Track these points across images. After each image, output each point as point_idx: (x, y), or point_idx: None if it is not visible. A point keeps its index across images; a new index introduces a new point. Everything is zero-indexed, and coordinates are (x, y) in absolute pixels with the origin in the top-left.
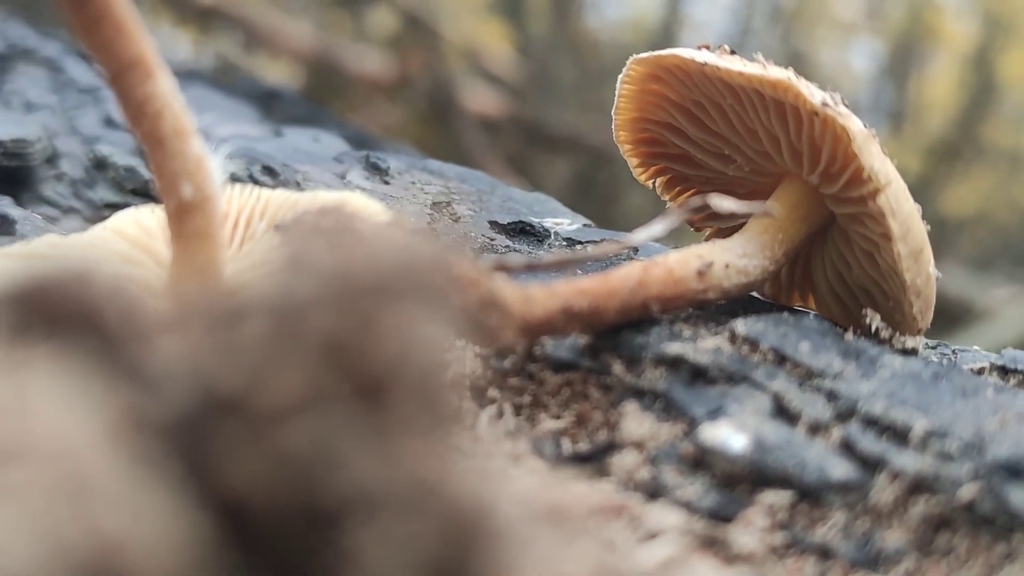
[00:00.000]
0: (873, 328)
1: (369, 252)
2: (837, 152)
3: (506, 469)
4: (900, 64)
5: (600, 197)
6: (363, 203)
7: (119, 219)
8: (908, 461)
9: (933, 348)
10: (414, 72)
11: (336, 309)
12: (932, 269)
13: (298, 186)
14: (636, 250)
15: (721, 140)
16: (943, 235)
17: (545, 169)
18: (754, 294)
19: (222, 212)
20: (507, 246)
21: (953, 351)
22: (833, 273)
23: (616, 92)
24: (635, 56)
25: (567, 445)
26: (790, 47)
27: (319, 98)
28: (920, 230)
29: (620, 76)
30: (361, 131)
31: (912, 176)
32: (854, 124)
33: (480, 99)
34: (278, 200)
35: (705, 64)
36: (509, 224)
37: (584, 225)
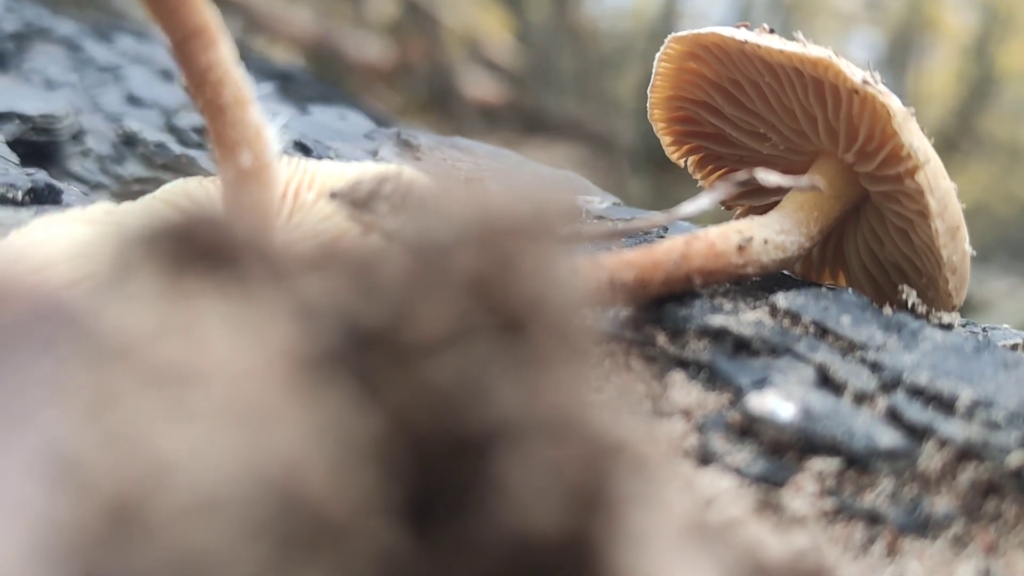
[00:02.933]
0: (909, 304)
1: (503, 197)
2: (875, 130)
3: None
4: (899, 55)
5: (599, 185)
6: (412, 174)
7: (169, 190)
8: (955, 429)
9: (963, 326)
10: (414, 59)
11: (478, 249)
12: (967, 246)
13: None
14: (666, 228)
15: (757, 119)
16: None
17: (544, 157)
18: (786, 272)
19: (278, 181)
20: None
21: (983, 328)
22: (865, 250)
23: (653, 70)
24: (674, 34)
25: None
26: (789, 37)
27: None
28: (956, 207)
29: (657, 55)
30: (376, 112)
31: None
32: (894, 102)
33: (479, 86)
34: (326, 171)
35: (745, 42)
36: None
37: (614, 203)
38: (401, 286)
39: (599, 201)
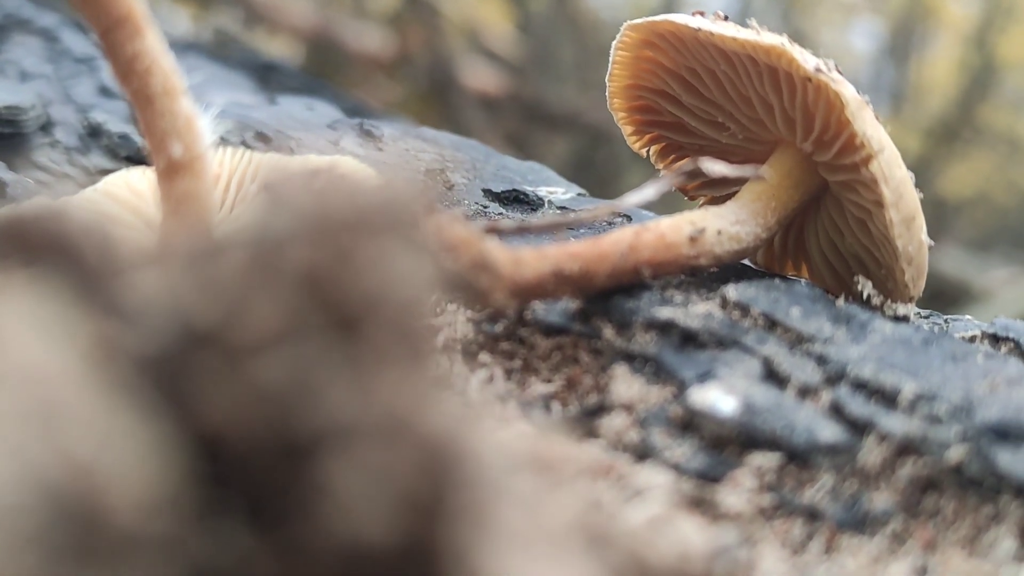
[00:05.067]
0: (865, 295)
1: (348, 190)
2: (830, 119)
3: (490, 415)
4: (900, 45)
5: (599, 175)
6: (354, 166)
7: (110, 181)
8: (896, 423)
9: (925, 318)
10: (414, 49)
11: (313, 243)
12: (924, 236)
13: (291, 152)
14: (630, 218)
15: (715, 107)
16: (942, 216)
17: (544, 147)
18: (747, 263)
19: (212, 172)
20: (500, 214)
21: (945, 320)
22: (826, 241)
23: (610, 59)
24: (629, 22)
25: (557, 408)
26: (791, 26)
27: (319, 74)
28: (912, 197)
29: (614, 42)
30: (359, 104)
31: (912, 157)
32: (847, 90)
33: (480, 77)
34: (269, 163)
35: (699, 29)
36: (503, 192)
37: (578, 194)
38: (234, 282)
39: (562, 192)
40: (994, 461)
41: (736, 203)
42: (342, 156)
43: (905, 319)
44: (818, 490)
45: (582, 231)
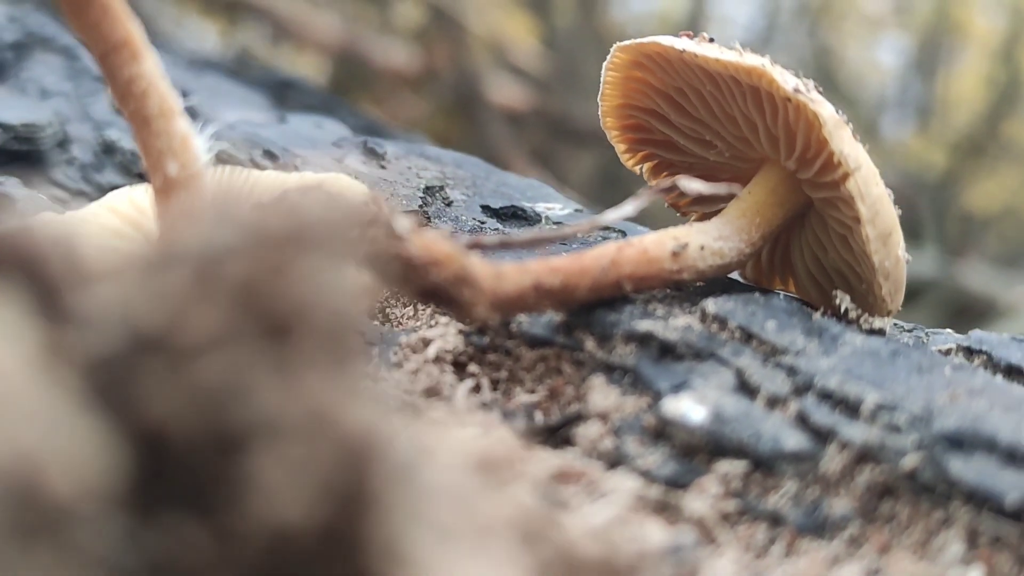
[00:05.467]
0: (843, 309)
1: (287, 206)
2: (810, 137)
3: (443, 419)
4: (927, 59)
5: (625, 191)
6: (348, 183)
7: (113, 197)
8: (857, 432)
9: (909, 331)
10: (439, 65)
11: (250, 257)
12: (901, 252)
13: (297, 170)
14: (624, 233)
15: (702, 126)
16: (969, 231)
17: (570, 163)
18: (737, 277)
19: (208, 189)
20: (496, 229)
21: (926, 332)
22: (811, 256)
23: (601, 79)
24: (619, 43)
25: (539, 417)
26: (817, 42)
27: (346, 90)
28: (889, 214)
29: (604, 63)
30: (373, 121)
31: (938, 172)
32: (825, 110)
33: (505, 92)
34: (266, 180)
35: (684, 51)
36: (501, 208)
37: (576, 210)
38: (177, 292)
39: (560, 208)
40: (946, 468)
41: (721, 219)
42: (338, 173)
43: (880, 332)
44: (781, 496)
45: (574, 245)
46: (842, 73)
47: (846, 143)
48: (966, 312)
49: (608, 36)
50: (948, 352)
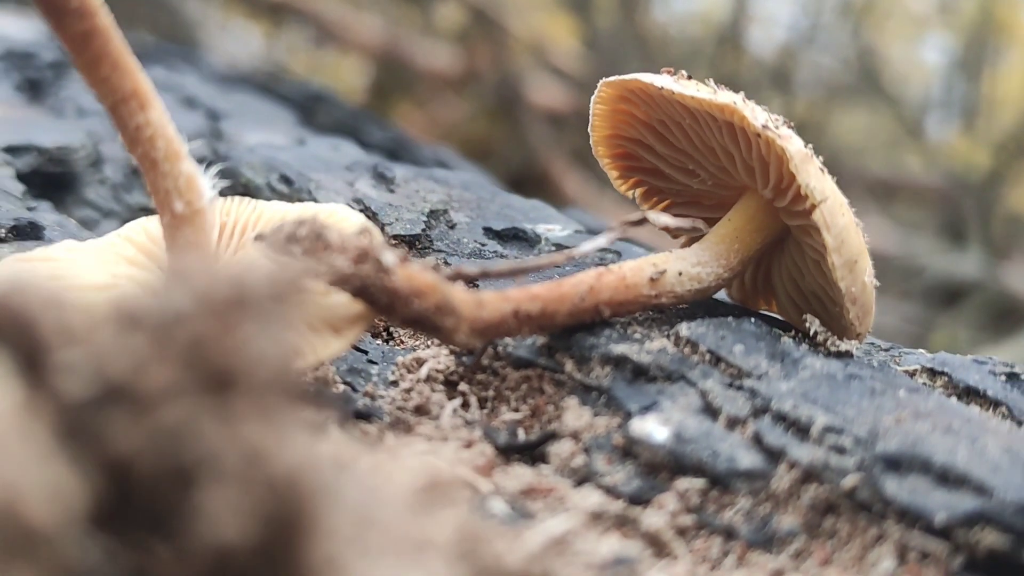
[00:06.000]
0: (812, 332)
1: (234, 276)
2: (781, 170)
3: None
4: (972, 59)
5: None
6: (345, 214)
7: (130, 227)
8: (804, 453)
9: (886, 350)
10: (481, 67)
11: (198, 322)
12: (867, 279)
13: (310, 194)
14: (619, 254)
15: (685, 156)
16: (1014, 232)
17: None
18: (724, 298)
19: (211, 224)
20: (495, 252)
21: (900, 352)
22: (789, 280)
23: (590, 112)
24: (604, 80)
25: (521, 434)
26: (860, 42)
27: (387, 93)
28: (855, 242)
29: (592, 97)
30: (400, 135)
31: (983, 172)
32: (791, 145)
33: (546, 93)
34: (271, 211)
35: (662, 88)
36: (503, 230)
37: (576, 231)
38: (140, 349)
39: (560, 229)
40: (882, 488)
41: (701, 245)
42: (337, 204)
43: (846, 355)
44: (736, 512)
45: (568, 268)
46: (886, 73)
47: (812, 176)
48: (1011, 315)
49: (649, 36)
50: (913, 373)
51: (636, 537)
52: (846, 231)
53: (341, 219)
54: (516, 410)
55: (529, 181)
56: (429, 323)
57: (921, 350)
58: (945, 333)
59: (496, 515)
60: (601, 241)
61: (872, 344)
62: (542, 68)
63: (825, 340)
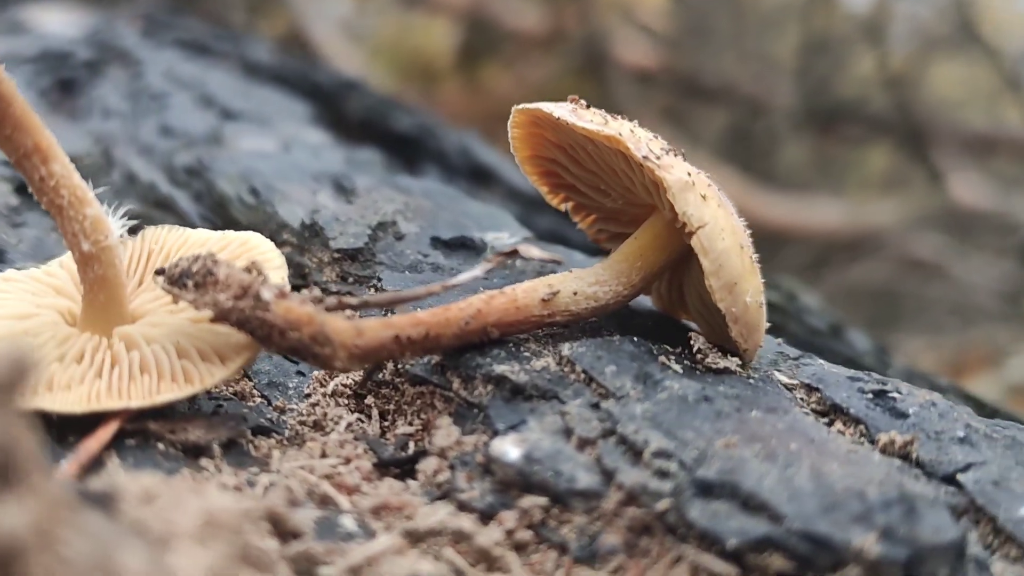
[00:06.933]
0: (695, 349)
1: None
2: (664, 197)
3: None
4: None
5: (756, 149)
6: (257, 243)
7: (55, 262)
8: (631, 476)
9: (795, 359)
10: (568, 25)
11: None
12: (750, 299)
13: (273, 206)
14: (559, 263)
15: (595, 177)
16: None
17: (701, 122)
18: (652, 308)
19: (119, 259)
20: (434, 263)
21: (801, 364)
22: (695, 295)
23: (508, 134)
24: (516, 106)
25: (411, 447)
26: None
27: (476, 54)
28: (734, 266)
29: (508, 122)
30: (425, 121)
31: None
32: (671, 175)
33: (634, 51)
34: (195, 239)
35: (559, 119)
36: (451, 239)
37: (525, 238)
38: None
39: (508, 236)
40: (686, 512)
41: (603, 264)
42: (251, 233)
43: (724, 371)
44: (571, 529)
45: (495, 280)
46: (985, 23)
47: (691, 204)
48: None
49: None
50: (792, 389)
51: (469, 553)
52: (724, 256)
53: (253, 248)
54: (411, 424)
55: None
56: (307, 352)
57: (821, 362)
58: None
59: (342, 532)
60: (477, 271)
61: (780, 354)
62: (629, 25)
63: (705, 358)
